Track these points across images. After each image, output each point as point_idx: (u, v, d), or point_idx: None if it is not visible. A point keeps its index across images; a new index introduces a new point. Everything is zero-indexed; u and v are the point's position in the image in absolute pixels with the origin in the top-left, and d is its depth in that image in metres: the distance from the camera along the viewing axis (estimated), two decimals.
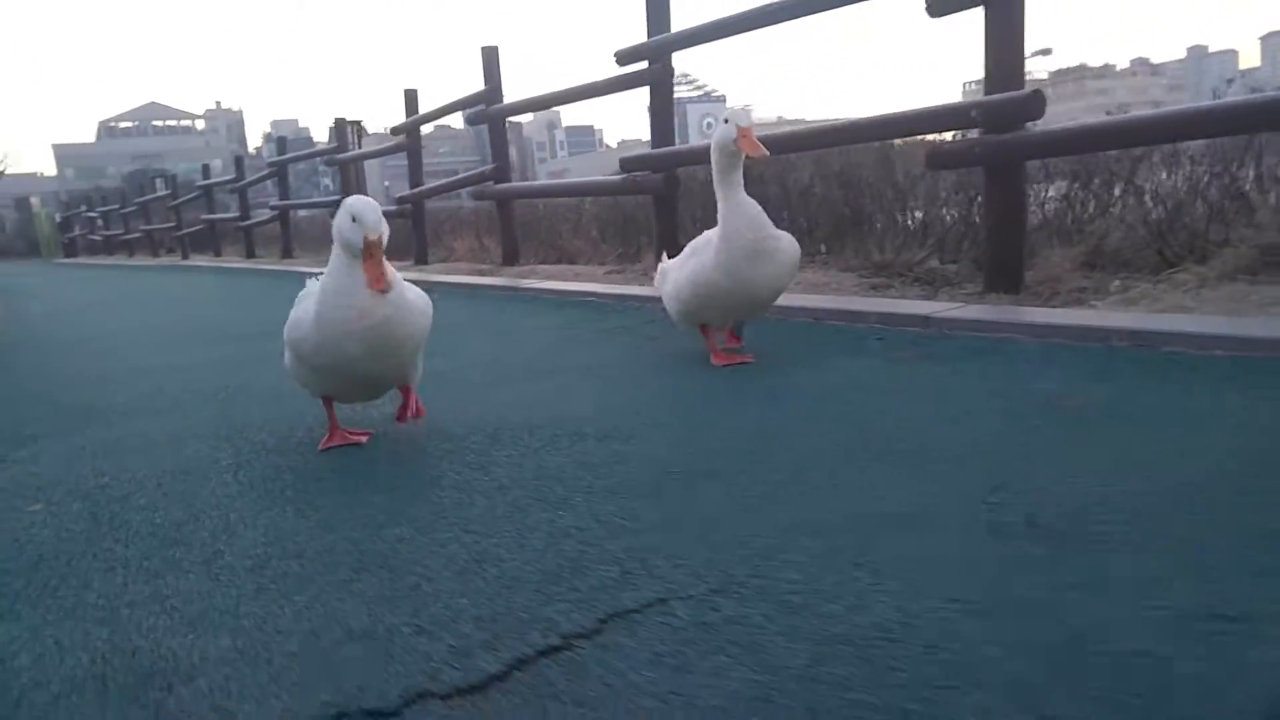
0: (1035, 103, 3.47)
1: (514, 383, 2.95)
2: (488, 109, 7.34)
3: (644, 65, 5.48)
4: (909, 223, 4.42)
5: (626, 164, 5.75)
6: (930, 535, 1.44)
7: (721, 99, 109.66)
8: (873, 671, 1.05)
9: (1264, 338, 2.48)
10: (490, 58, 7.23)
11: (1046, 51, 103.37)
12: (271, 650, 1.22)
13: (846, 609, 1.20)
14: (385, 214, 2.10)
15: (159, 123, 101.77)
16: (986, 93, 3.67)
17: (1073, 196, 4.03)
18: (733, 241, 2.81)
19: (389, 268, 2.07)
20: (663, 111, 5.54)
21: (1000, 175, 3.67)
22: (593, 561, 1.43)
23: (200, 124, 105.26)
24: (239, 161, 14.52)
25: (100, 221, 24.76)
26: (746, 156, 2.82)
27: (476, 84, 7.41)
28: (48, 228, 32.58)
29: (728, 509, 1.62)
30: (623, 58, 5.57)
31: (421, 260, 8.99)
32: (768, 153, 2.86)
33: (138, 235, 20.86)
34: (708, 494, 1.71)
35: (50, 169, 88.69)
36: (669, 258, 3.33)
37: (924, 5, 3.74)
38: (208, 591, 1.43)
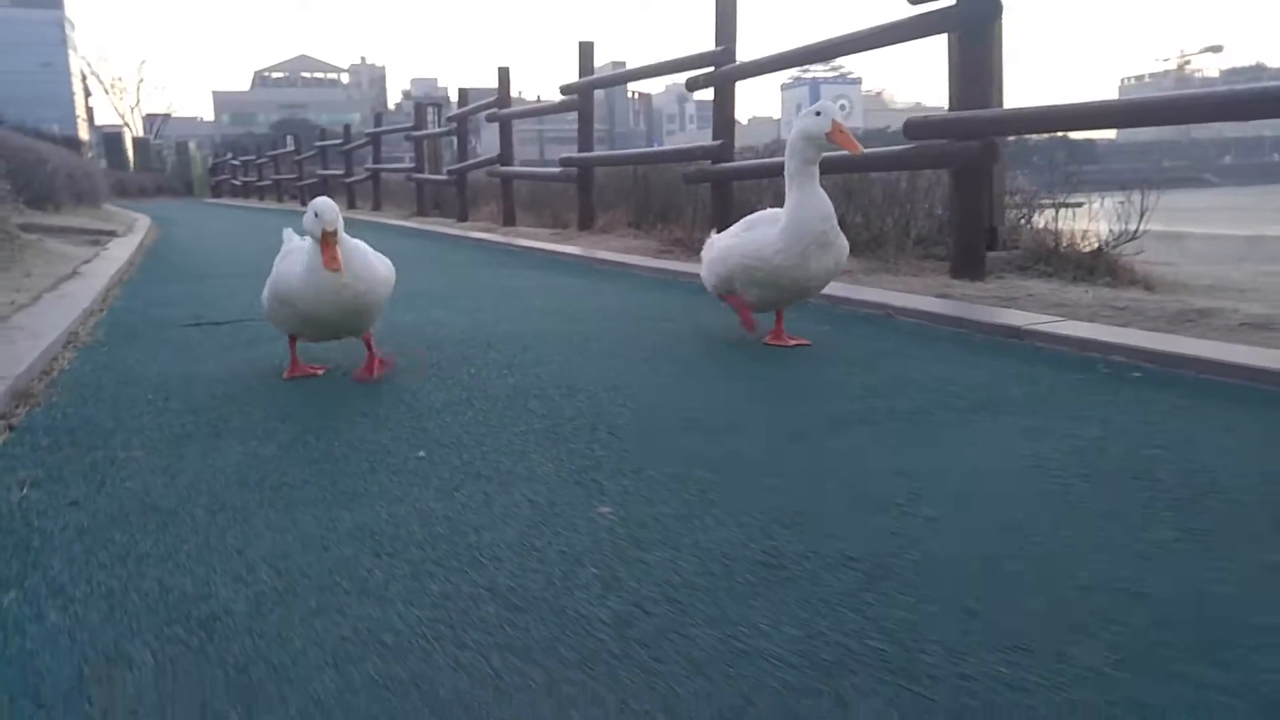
0: (726, 150, 6.15)
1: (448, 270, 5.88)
2: (499, 111, 10.31)
3: (574, 97, 8.34)
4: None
5: (564, 161, 8.60)
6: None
7: (857, 81, 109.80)
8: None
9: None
10: (503, 75, 10.18)
11: (1217, 49, 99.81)
12: None
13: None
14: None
15: (307, 74, 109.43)
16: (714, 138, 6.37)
17: None
18: (803, 230, 2.90)
19: (354, 248, 2.59)
20: (586, 130, 8.37)
21: (720, 190, 6.35)
22: None
23: (345, 78, 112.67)
24: (346, 129, 18.06)
25: (241, 168, 29.22)
26: (830, 149, 2.95)
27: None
28: (200, 170, 37.70)
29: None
30: (565, 90, 8.42)
31: (462, 218, 12.04)
32: (862, 148, 2.98)
33: (268, 183, 25.00)
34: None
35: (209, 114, 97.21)
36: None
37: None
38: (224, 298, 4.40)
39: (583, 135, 8.38)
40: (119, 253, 7.10)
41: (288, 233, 2.99)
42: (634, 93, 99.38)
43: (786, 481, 1.81)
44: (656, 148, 7.49)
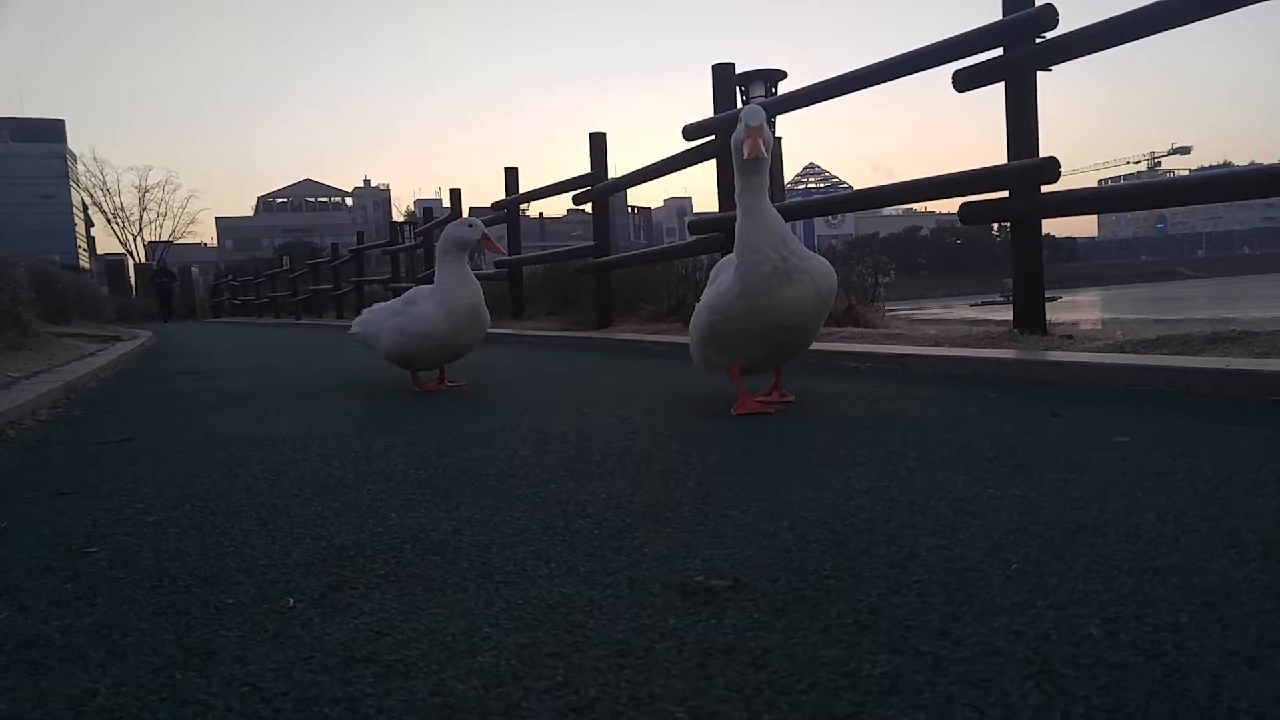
0: (602, 248, 8.14)
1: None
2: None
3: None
4: None
5: (497, 264, 10.64)
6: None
7: (848, 188, 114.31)
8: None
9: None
10: (454, 195, 12.35)
11: (1185, 150, 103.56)
12: None
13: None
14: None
15: (311, 199, 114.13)
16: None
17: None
18: (754, 259, 2.63)
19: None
20: (513, 238, 10.44)
21: (601, 278, 8.30)
22: None
23: (349, 200, 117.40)
24: (334, 247, 20.42)
25: (240, 288, 31.78)
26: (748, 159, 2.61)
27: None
28: (201, 294, 40.44)
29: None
30: (495, 205, 10.53)
31: None
32: (766, 155, 2.64)
33: (265, 301, 27.39)
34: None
35: (213, 239, 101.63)
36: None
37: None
38: (242, 358, 6.31)
39: (510, 242, 10.45)
40: (125, 347, 9.09)
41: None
42: (633, 208, 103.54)
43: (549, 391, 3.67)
44: (555, 249, 9.56)
